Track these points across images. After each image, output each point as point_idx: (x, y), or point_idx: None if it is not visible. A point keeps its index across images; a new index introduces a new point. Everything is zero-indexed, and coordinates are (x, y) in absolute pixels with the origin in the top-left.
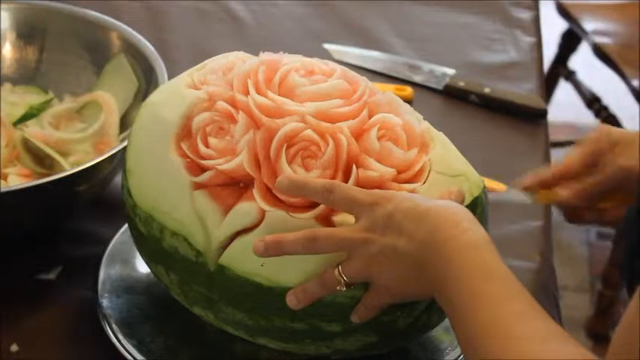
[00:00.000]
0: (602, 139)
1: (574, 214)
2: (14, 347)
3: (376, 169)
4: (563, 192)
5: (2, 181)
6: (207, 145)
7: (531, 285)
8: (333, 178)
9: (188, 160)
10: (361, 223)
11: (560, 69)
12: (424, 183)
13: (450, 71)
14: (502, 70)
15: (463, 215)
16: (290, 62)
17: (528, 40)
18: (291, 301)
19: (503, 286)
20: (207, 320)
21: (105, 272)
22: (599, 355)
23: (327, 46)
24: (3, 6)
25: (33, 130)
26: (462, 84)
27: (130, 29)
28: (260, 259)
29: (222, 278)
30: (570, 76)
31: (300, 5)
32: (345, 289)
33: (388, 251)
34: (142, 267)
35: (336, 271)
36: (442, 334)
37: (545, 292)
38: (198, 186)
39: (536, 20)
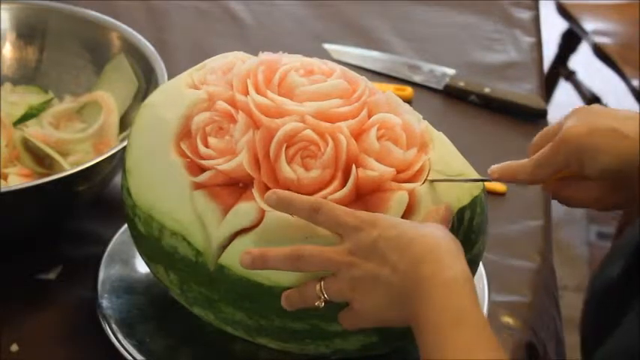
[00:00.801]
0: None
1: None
2: (14, 347)
3: (376, 169)
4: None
5: (2, 181)
6: (206, 145)
7: (531, 285)
8: (333, 177)
9: (188, 160)
10: (346, 246)
11: (560, 69)
12: (423, 182)
13: (450, 71)
14: (502, 70)
15: (446, 248)
16: (289, 62)
17: (528, 40)
18: (282, 303)
19: (470, 333)
20: (207, 320)
21: (105, 272)
22: None
23: (326, 46)
24: (3, 6)
25: (33, 130)
26: (462, 84)
27: (130, 29)
28: None
29: (222, 278)
30: (570, 76)
31: (300, 5)
32: (323, 305)
33: (370, 278)
34: (142, 267)
35: (318, 287)
36: None
37: (546, 292)
38: (197, 186)
39: (536, 20)
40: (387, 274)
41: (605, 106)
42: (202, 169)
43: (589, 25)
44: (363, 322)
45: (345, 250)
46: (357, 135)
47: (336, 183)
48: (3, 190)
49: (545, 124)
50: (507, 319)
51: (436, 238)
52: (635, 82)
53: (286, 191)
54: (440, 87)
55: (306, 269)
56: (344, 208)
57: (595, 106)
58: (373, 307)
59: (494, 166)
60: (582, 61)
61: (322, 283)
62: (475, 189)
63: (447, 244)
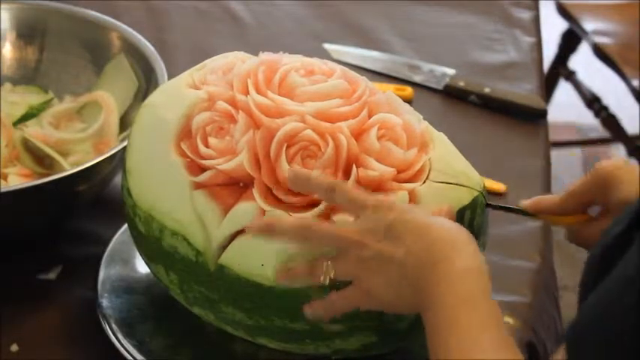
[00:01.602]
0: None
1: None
2: (14, 347)
3: (376, 169)
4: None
5: (2, 181)
6: (207, 145)
7: (531, 285)
8: (334, 177)
9: (188, 159)
10: (360, 225)
11: (560, 69)
12: (424, 183)
13: (450, 71)
14: (502, 70)
15: (463, 239)
16: (290, 62)
17: (528, 40)
18: (284, 275)
19: (481, 317)
20: (207, 320)
21: (105, 272)
22: None
23: (327, 46)
24: (3, 6)
25: (33, 130)
26: (462, 84)
27: (130, 29)
28: (260, 259)
29: (222, 278)
30: (570, 76)
31: (300, 5)
32: (327, 282)
33: (381, 259)
34: (142, 267)
35: (325, 264)
36: None
37: (546, 292)
38: (198, 186)
39: (536, 20)
40: (401, 256)
41: (606, 106)
42: (202, 169)
43: (589, 25)
44: (364, 303)
45: (358, 229)
46: (358, 135)
47: None
48: (3, 190)
49: (545, 124)
50: (507, 319)
51: (453, 228)
52: (635, 82)
53: (304, 169)
54: (440, 87)
55: (314, 242)
56: (361, 191)
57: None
58: (380, 288)
59: (524, 201)
60: (582, 61)
61: (330, 261)
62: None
63: (464, 235)
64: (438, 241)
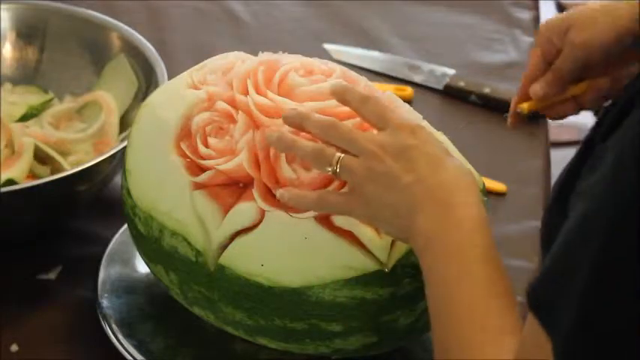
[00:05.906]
0: (551, 31)
1: (555, 110)
2: (14, 347)
3: None
4: (536, 87)
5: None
6: (206, 145)
7: None
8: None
9: (188, 160)
10: (380, 138)
11: None
12: None
13: (450, 71)
14: (502, 70)
15: (475, 187)
16: (289, 62)
17: (528, 40)
18: (294, 144)
19: (495, 268)
20: (207, 320)
21: (105, 272)
22: None
23: (327, 46)
24: (3, 6)
25: (33, 130)
26: (462, 84)
27: (130, 29)
28: (260, 259)
29: (222, 278)
30: None
31: (300, 5)
32: (329, 172)
33: (390, 177)
34: (142, 267)
35: (337, 156)
36: None
37: None
38: (197, 186)
39: (536, 20)
40: (410, 181)
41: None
42: (202, 169)
43: None
44: (356, 209)
45: (377, 141)
46: None
47: (336, 182)
48: (3, 190)
49: (545, 124)
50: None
51: (469, 175)
52: None
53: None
54: (440, 87)
55: (333, 140)
56: (392, 107)
57: None
58: (377, 203)
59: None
60: None
61: (343, 155)
62: None
63: (477, 186)
64: (454, 183)
